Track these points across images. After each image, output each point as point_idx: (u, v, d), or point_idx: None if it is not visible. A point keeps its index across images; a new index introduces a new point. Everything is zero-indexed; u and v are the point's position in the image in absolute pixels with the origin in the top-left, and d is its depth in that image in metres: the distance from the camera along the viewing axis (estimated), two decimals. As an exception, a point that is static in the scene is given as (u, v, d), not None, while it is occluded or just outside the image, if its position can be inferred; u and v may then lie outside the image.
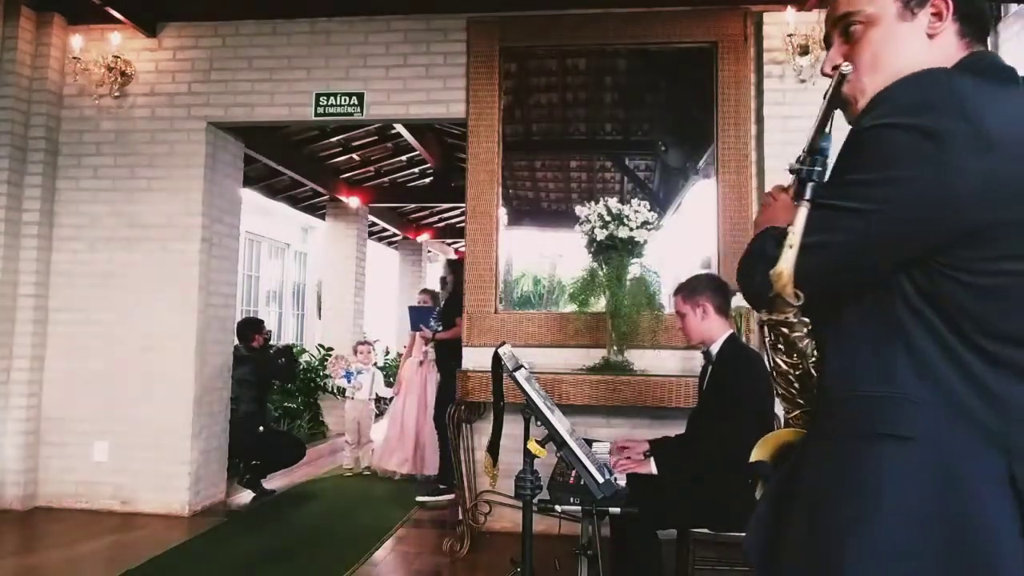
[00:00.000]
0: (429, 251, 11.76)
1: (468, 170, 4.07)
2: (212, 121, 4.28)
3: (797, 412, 1.05)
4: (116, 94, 4.24)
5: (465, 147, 4.15)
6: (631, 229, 3.50)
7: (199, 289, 4.20)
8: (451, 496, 3.89)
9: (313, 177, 6.94)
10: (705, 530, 2.35)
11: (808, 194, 0.90)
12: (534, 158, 4.60)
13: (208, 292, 4.29)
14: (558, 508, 2.39)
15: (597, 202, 3.57)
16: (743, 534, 2.36)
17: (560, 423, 2.05)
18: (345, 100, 4.18)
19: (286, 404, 6.62)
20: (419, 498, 4.51)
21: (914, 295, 0.87)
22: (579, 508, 2.36)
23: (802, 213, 0.88)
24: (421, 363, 5.42)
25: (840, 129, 0.95)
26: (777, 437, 1.08)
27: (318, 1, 4.18)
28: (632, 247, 3.55)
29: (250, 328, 5.07)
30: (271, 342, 5.82)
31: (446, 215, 10.46)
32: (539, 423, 2.06)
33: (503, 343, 2.19)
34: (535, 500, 2.14)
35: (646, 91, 4.49)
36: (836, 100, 1.00)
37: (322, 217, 8.33)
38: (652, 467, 2.48)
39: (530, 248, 4.89)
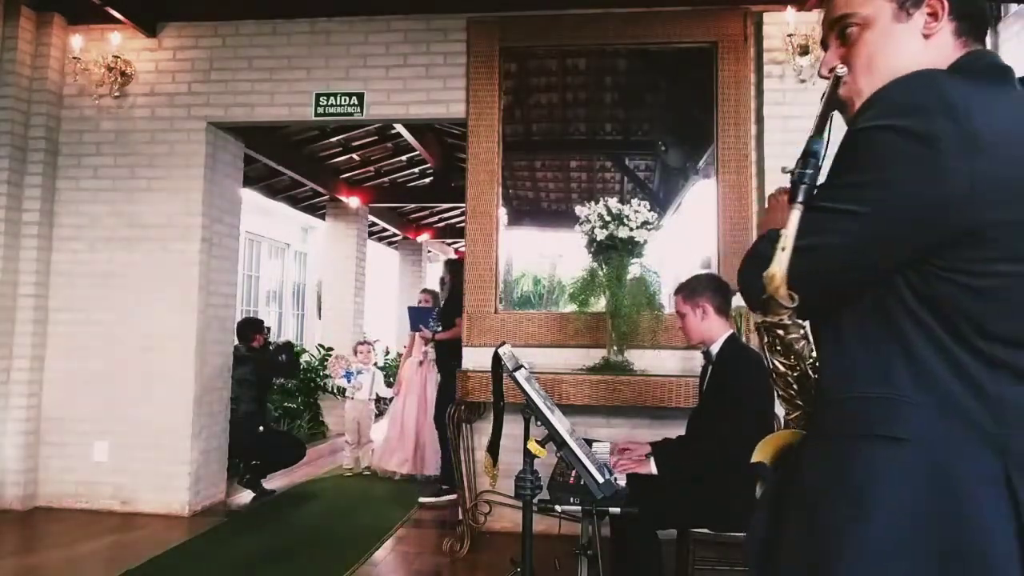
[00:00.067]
0: (429, 251, 11.77)
1: (468, 170, 4.07)
2: (212, 121, 4.28)
3: (797, 413, 1.05)
4: (116, 94, 4.24)
5: (465, 147, 4.15)
6: (631, 229, 3.50)
7: (199, 289, 4.20)
8: (453, 496, 3.89)
9: (313, 177, 6.94)
10: (705, 530, 2.35)
11: (801, 197, 0.89)
12: (534, 158, 4.60)
13: (208, 292, 4.29)
14: (558, 508, 2.39)
15: (597, 202, 3.57)
16: (743, 534, 2.37)
17: (560, 423, 2.05)
18: (345, 100, 4.18)
19: (286, 404, 6.62)
20: (422, 499, 4.51)
21: (910, 297, 0.87)
22: (579, 508, 2.36)
23: (794, 216, 0.88)
24: (421, 363, 5.43)
25: (840, 130, 0.95)
26: (778, 438, 1.08)
27: (318, 1, 4.18)
28: (632, 247, 3.55)
29: (250, 328, 5.07)
30: (269, 339, 5.82)
31: (446, 215, 10.46)
32: (539, 423, 2.06)
33: (503, 343, 2.19)
34: (535, 500, 2.14)
35: (646, 91, 4.49)
36: (833, 102, 1.00)
37: (322, 217, 8.33)
38: (652, 467, 2.48)
39: (530, 248, 4.89)
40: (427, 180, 8.32)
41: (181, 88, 4.29)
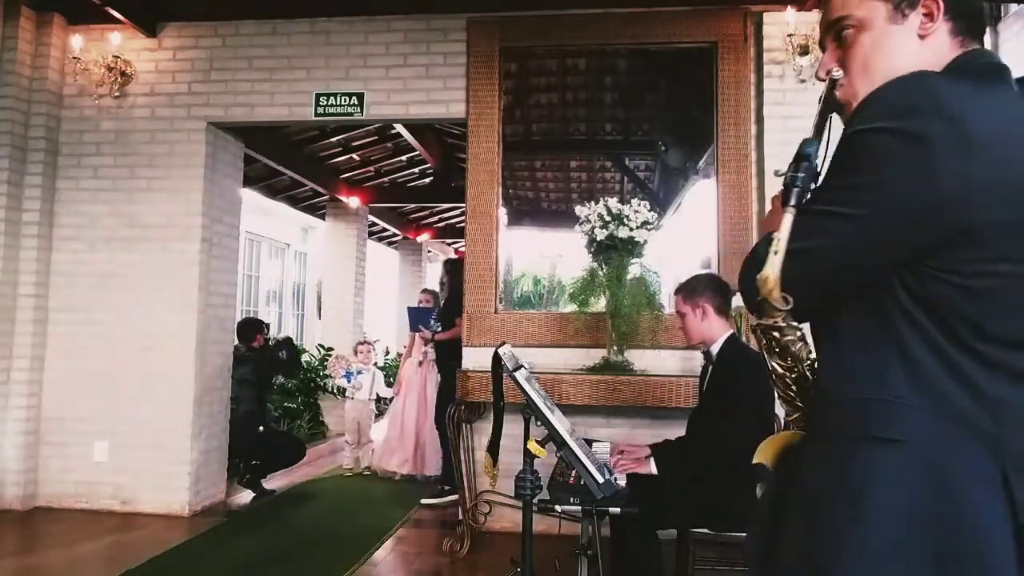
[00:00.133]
0: (429, 251, 11.77)
1: (468, 170, 4.07)
2: (212, 121, 4.28)
3: (797, 414, 1.05)
4: (116, 94, 4.24)
5: (465, 147, 4.15)
6: (631, 229, 3.50)
7: (199, 289, 4.20)
8: (455, 497, 3.89)
9: (313, 177, 6.94)
10: (705, 530, 2.35)
11: (793, 200, 0.90)
12: (534, 158, 4.60)
13: (208, 292, 4.29)
14: (558, 508, 2.38)
15: (597, 202, 3.57)
16: (743, 534, 2.37)
17: (560, 423, 2.05)
18: (345, 100, 4.18)
19: (286, 404, 6.62)
20: (424, 501, 4.51)
21: (906, 298, 0.87)
22: (579, 508, 2.36)
23: (787, 219, 0.88)
24: (421, 363, 5.42)
25: (840, 132, 0.95)
26: (779, 439, 1.08)
27: (318, 1, 4.18)
28: (632, 247, 3.55)
29: (250, 328, 5.07)
30: (269, 336, 5.82)
31: (446, 215, 10.46)
32: (539, 423, 2.06)
33: (503, 343, 2.19)
34: (535, 500, 2.14)
35: (646, 91, 4.49)
36: (830, 105, 1.01)
37: (322, 217, 8.33)
38: (652, 467, 2.48)
39: (530, 248, 4.89)
40: (427, 180, 8.32)
41: (181, 88, 4.29)
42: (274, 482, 4.87)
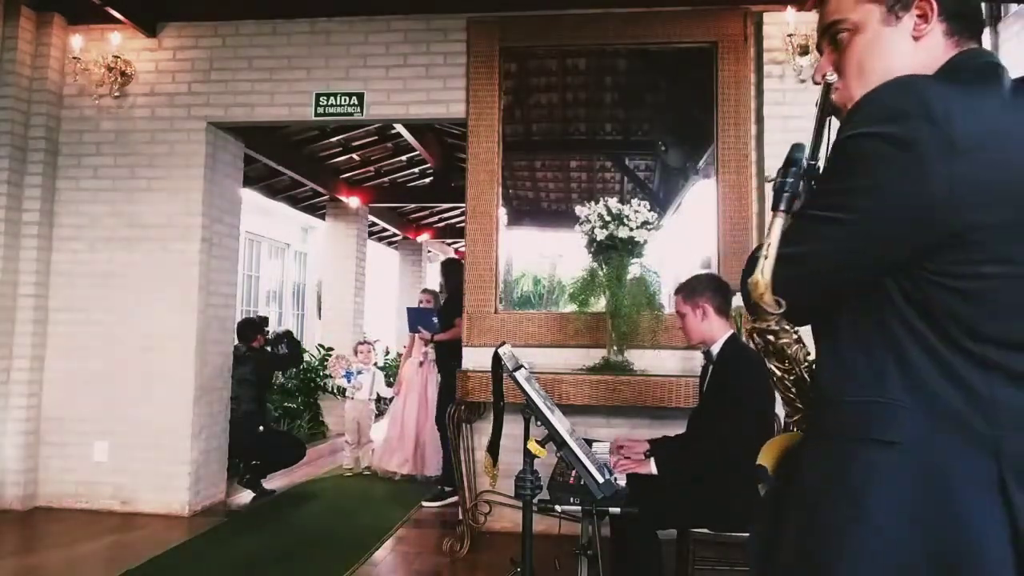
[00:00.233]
0: (429, 251, 11.77)
1: (468, 170, 4.07)
2: (212, 121, 4.28)
3: (798, 415, 1.06)
4: (116, 94, 4.24)
5: (465, 147, 4.15)
6: (631, 229, 3.50)
7: (199, 289, 4.20)
8: (456, 498, 3.90)
9: (313, 177, 6.94)
10: (705, 530, 2.35)
11: (783, 205, 0.91)
12: (534, 158, 4.60)
13: (208, 292, 4.29)
14: (558, 508, 2.39)
15: (597, 202, 3.57)
16: (743, 534, 2.37)
17: (560, 423, 2.05)
18: (345, 100, 4.18)
19: (286, 404, 6.63)
20: (425, 503, 4.50)
21: (901, 301, 0.88)
22: (579, 508, 2.36)
23: (777, 223, 0.90)
24: (421, 364, 5.41)
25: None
26: (782, 440, 1.09)
27: (318, 1, 4.18)
28: (632, 247, 3.55)
29: (250, 328, 5.08)
30: (267, 329, 5.82)
31: (446, 215, 10.46)
32: (539, 423, 2.06)
33: (503, 343, 2.19)
34: (535, 500, 2.14)
35: (646, 91, 4.49)
36: (827, 108, 1.02)
37: (322, 217, 8.33)
38: (652, 467, 2.48)
39: (530, 248, 4.90)
40: (427, 180, 8.32)
41: (181, 88, 4.29)
42: (274, 482, 4.87)
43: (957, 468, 0.83)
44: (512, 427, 2.41)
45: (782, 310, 0.91)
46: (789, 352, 1.00)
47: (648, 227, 3.55)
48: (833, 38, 1.02)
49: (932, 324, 0.86)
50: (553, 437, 2.04)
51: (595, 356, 3.71)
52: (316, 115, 4.21)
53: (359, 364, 6.00)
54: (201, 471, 4.22)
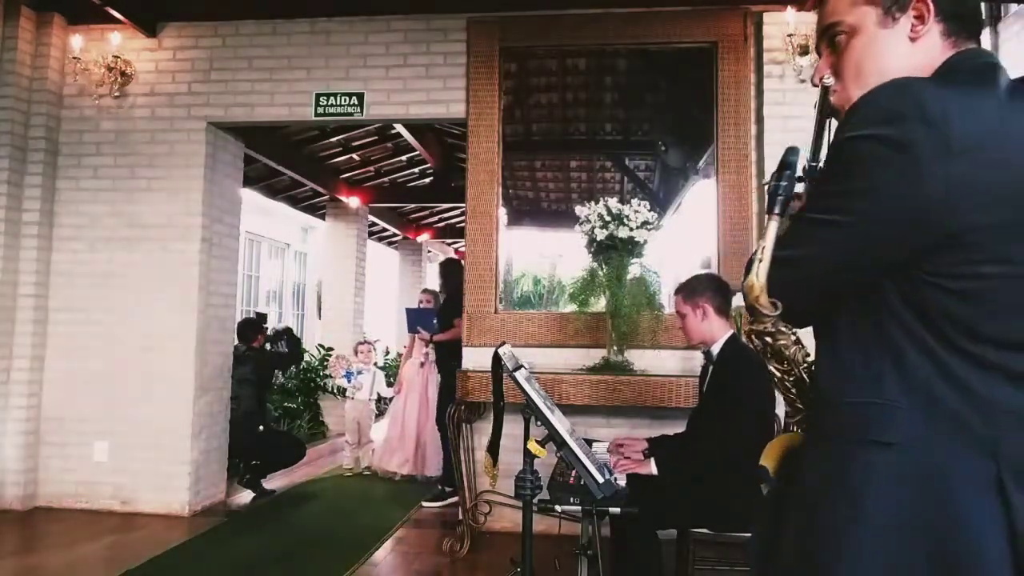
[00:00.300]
0: (429, 251, 11.76)
1: (468, 170, 4.07)
2: (212, 121, 4.28)
3: (800, 416, 1.06)
4: (116, 94, 4.24)
5: (465, 147, 4.15)
6: (631, 229, 3.50)
7: (199, 289, 4.20)
8: (456, 499, 3.90)
9: (313, 177, 6.94)
10: (705, 530, 2.35)
11: (777, 208, 0.92)
12: (534, 158, 4.60)
13: (208, 292, 4.29)
14: (558, 508, 2.39)
15: (597, 202, 3.57)
16: (743, 534, 2.37)
17: (560, 423, 2.05)
18: (345, 100, 4.18)
19: (286, 404, 6.63)
20: (425, 503, 4.50)
21: (899, 302, 0.88)
22: (579, 508, 2.36)
23: (772, 226, 0.91)
24: (422, 364, 5.40)
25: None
26: (783, 441, 1.09)
27: (318, 1, 4.18)
28: (632, 247, 3.55)
29: (251, 328, 5.08)
30: (265, 324, 5.82)
31: (446, 215, 10.45)
32: (539, 423, 2.06)
33: (503, 343, 2.19)
34: (535, 500, 2.14)
35: (646, 91, 4.49)
36: (826, 111, 1.02)
37: (322, 217, 8.33)
38: (652, 467, 2.48)
39: (530, 248, 4.90)
40: (427, 180, 8.32)
41: (181, 88, 4.29)
42: (274, 482, 4.87)
43: (955, 469, 0.83)
44: (512, 427, 2.41)
45: (778, 312, 0.92)
46: (787, 354, 1.00)
47: (648, 227, 3.55)
48: (831, 40, 1.02)
49: (930, 325, 0.86)
50: (553, 437, 2.04)
51: (595, 356, 3.71)
52: (316, 115, 4.21)
53: (359, 364, 6.00)
54: (201, 471, 4.22)
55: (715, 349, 2.53)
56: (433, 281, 8.99)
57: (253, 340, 5.01)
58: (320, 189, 7.43)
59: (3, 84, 4.12)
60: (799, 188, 1.07)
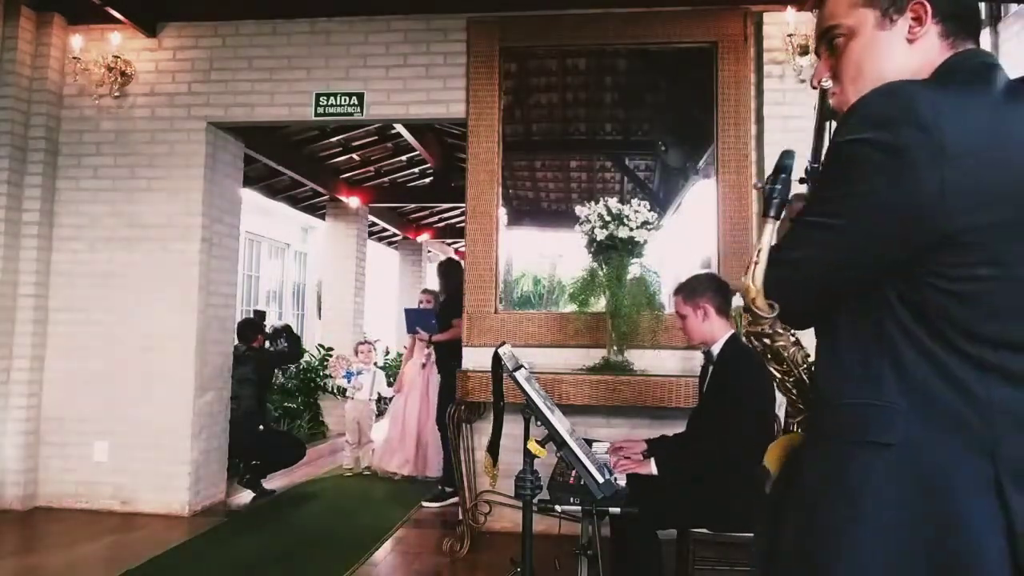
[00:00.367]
0: (429, 251, 11.76)
1: (468, 170, 4.07)
2: (212, 121, 4.28)
3: (800, 417, 1.06)
4: (116, 94, 4.24)
5: (465, 147, 4.15)
6: (631, 229, 3.50)
7: (199, 289, 4.20)
8: (456, 498, 3.90)
9: (313, 177, 6.93)
10: (705, 530, 2.35)
11: (772, 211, 0.93)
12: (534, 158, 4.60)
13: (208, 292, 4.29)
14: (558, 508, 2.39)
15: (597, 202, 3.57)
16: (743, 534, 2.37)
17: (560, 423, 2.05)
18: (345, 100, 4.18)
19: (286, 404, 6.63)
20: (425, 503, 4.50)
21: (897, 304, 0.88)
22: (579, 508, 2.36)
23: (768, 229, 0.92)
24: (424, 366, 5.38)
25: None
26: (785, 441, 1.09)
27: (318, 1, 4.18)
28: (632, 247, 3.55)
29: (251, 328, 5.08)
30: (264, 322, 5.83)
31: (446, 215, 10.45)
32: (539, 423, 2.06)
33: (503, 343, 2.19)
34: (535, 500, 2.14)
35: (646, 91, 4.49)
36: (825, 114, 1.03)
37: (322, 217, 8.33)
38: (652, 467, 2.48)
39: (530, 248, 4.89)
40: (427, 180, 8.31)
41: (181, 88, 4.29)
42: (274, 482, 4.87)
43: (954, 469, 0.83)
44: (512, 427, 2.41)
45: (775, 314, 0.93)
46: (786, 355, 1.01)
47: (648, 227, 3.55)
48: (830, 43, 1.02)
49: (928, 326, 0.87)
50: (553, 437, 2.04)
51: (595, 356, 3.71)
52: (316, 115, 4.21)
53: (359, 364, 6.00)
54: (201, 471, 4.22)
55: (715, 349, 2.53)
56: (433, 281, 9.00)
57: (253, 340, 5.01)
58: (320, 189, 7.43)
59: (3, 84, 4.12)
60: (803, 189, 1.08)
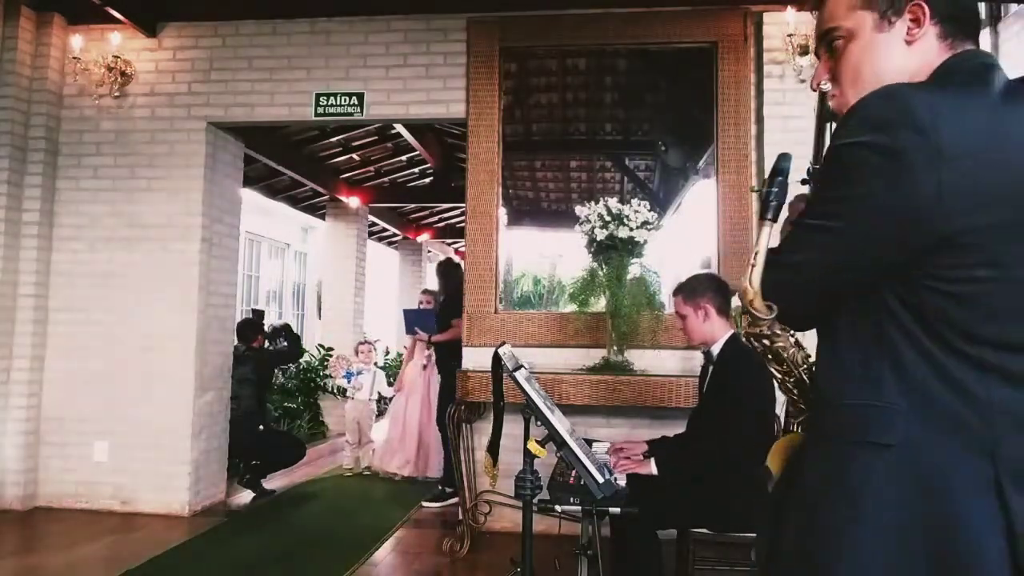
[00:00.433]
0: (429, 251, 11.76)
1: (468, 170, 4.07)
2: (212, 121, 4.28)
3: (802, 417, 1.07)
4: (116, 94, 4.24)
5: (465, 147, 4.15)
6: (631, 229, 3.50)
7: (199, 289, 4.20)
8: (456, 498, 3.89)
9: (313, 177, 6.94)
10: (705, 530, 2.35)
11: (769, 214, 0.94)
12: (534, 158, 4.60)
13: (208, 292, 4.29)
14: (558, 508, 2.39)
15: (597, 202, 3.57)
16: (743, 534, 2.37)
17: (560, 423, 2.05)
18: (345, 100, 4.18)
19: (286, 404, 6.62)
20: (425, 503, 4.50)
21: (897, 306, 0.89)
22: (579, 508, 2.36)
23: (765, 231, 0.93)
24: (425, 367, 5.36)
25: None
26: (787, 441, 1.09)
27: (318, 1, 4.18)
28: (632, 247, 3.55)
29: (251, 329, 5.08)
30: (262, 321, 5.82)
31: (446, 215, 10.45)
32: (539, 423, 2.06)
33: (503, 343, 2.19)
34: (535, 500, 2.14)
35: (646, 91, 4.49)
36: (825, 116, 1.03)
37: (322, 217, 8.33)
38: (652, 467, 2.48)
39: (530, 248, 4.89)
40: (427, 180, 8.32)
41: (181, 88, 4.29)
42: (274, 482, 4.87)
43: (954, 470, 0.84)
44: (512, 427, 2.41)
45: (774, 315, 0.94)
46: (786, 355, 1.01)
47: (648, 227, 3.55)
48: (829, 45, 1.03)
49: (927, 327, 0.87)
50: (553, 437, 2.04)
51: (595, 356, 3.71)
52: (316, 115, 4.21)
53: (359, 364, 6.00)
54: (201, 471, 4.22)
55: (715, 349, 2.52)
56: (433, 281, 9.00)
57: (253, 340, 5.01)
58: (320, 189, 7.43)
59: (3, 84, 4.12)
60: (804, 190, 1.09)
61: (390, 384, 6.19)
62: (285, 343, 5.36)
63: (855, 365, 0.92)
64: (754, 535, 2.22)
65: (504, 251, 4.13)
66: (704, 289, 2.55)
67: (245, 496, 4.60)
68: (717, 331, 2.53)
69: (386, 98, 4.17)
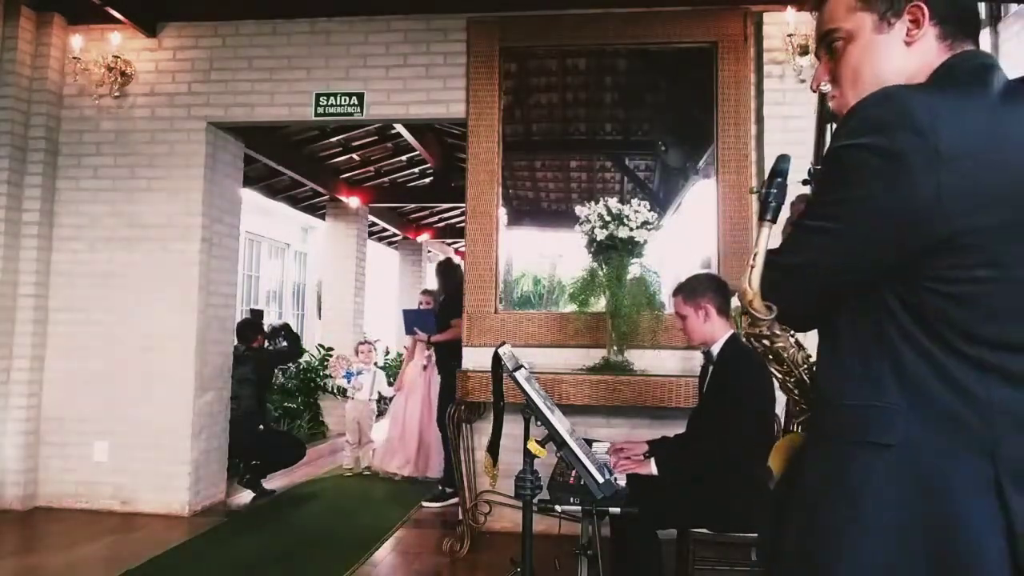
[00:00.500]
0: (429, 251, 11.76)
1: (468, 170, 4.07)
2: (212, 121, 4.28)
3: (804, 417, 1.07)
4: (116, 94, 4.24)
5: (465, 147, 4.15)
6: (631, 229, 3.50)
7: (199, 289, 4.20)
8: (456, 498, 3.89)
9: (313, 177, 6.93)
10: (705, 530, 2.35)
11: (769, 215, 0.95)
12: (534, 158, 4.60)
13: (208, 292, 4.29)
14: (558, 508, 2.39)
15: (597, 202, 3.57)
16: (743, 534, 2.37)
17: (560, 423, 2.05)
18: (345, 100, 4.18)
19: (286, 404, 6.62)
20: (425, 503, 4.50)
21: (897, 305, 0.89)
22: (579, 508, 2.36)
23: (764, 233, 0.94)
24: (425, 367, 5.36)
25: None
26: (788, 442, 1.09)
27: (318, 1, 4.18)
28: (632, 247, 3.56)
29: (250, 329, 5.08)
30: (262, 321, 5.82)
31: (446, 215, 10.45)
32: (539, 423, 2.06)
33: (503, 343, 2.19)
34: (535, 500, 2.14)
35: (646, 91, 4.49)
36: (825, 117, 1.03)
37: (322, 217, 8.33)
38: (652, 468, 2.48)
39: (530, 248, 4.89)
40: (427, 180, 8.32)
41: (181, 88, 4.29)
42: (274, 482, 4.87)
43: (954, 470, 0.84)
44: (512, 427, 2.41)
45: (773, 315, 0.94)
46: (786, 355, 1.02)
47: (648, 227, 3.55)
48: (829, 47, 1.03)
49: (927, 328, 0.87)
50: (553, 437, 2.04)
51: (595, 356, 3.71)
52: (316, 115, 4.21)
53: (360, 364, 6.00)
54: (201, 471, 4.22)
55: (715, 349, 2.52)
56: (433, 281, 9.00)
57: (253, 340, 5.01)
58: (320, 189, 7.43)
59: (3, 84, 4.12)
60: (806, 190, 1.09)
61: (390, 384, 6.19)
62: (285, 343, 5.36)
63: (855, 365, 0.92)
64: (754, 535, 2.22)
65: (504, 251, 4.13)
66: (704, 289, 2.55)
67: (245, 496, 4.60)
68: (717, 331, 2.53)
69: (386, 98, 4.17)
